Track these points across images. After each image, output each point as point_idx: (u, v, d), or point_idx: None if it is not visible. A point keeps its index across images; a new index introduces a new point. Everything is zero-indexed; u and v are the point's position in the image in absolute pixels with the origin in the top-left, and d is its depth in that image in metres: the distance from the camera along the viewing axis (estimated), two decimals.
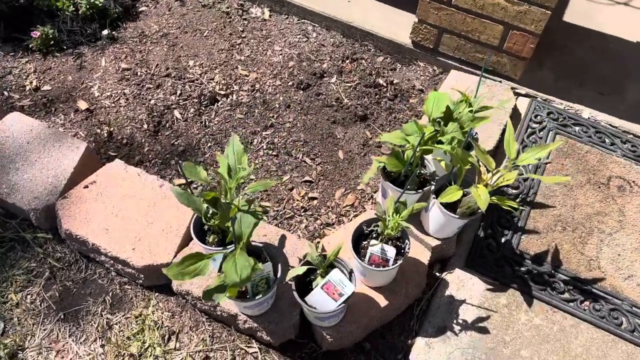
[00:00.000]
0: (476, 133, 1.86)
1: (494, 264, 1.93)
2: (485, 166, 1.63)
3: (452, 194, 1.60)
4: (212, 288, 1.40)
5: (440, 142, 1.66)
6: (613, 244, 1.99)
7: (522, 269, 1.92)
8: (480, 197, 1.54)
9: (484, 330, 1.78)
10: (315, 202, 2.10)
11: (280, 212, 2.05)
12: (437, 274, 1.94)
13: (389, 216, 1.55)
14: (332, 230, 2.01)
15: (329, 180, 2.17)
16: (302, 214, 2.05)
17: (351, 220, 2.03)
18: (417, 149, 1.59)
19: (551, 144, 1.58)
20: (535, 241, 1.99)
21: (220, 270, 1.56)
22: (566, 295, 1.88)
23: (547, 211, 2.07)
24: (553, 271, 1.92)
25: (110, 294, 1.85)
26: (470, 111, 1.72)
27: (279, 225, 2.01)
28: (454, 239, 1.90)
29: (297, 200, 2.09)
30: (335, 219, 2.05)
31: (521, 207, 2.03)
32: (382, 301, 1.71)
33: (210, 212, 1.55)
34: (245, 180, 1.45)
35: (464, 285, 1.88)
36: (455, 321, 1.80)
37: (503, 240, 1.98)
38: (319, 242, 1.92)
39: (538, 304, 1.86)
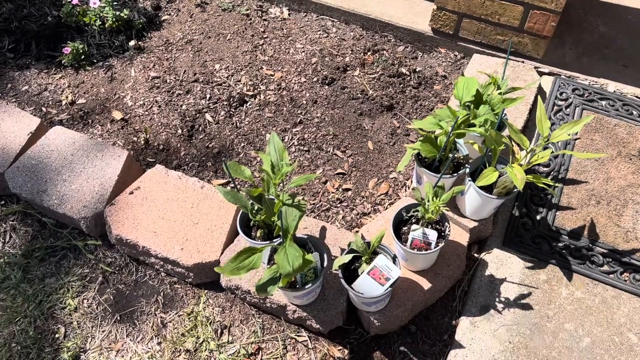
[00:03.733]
0: (505, 114, 1.89)
1: (531, 241, 1.96)
2: (518, 145, 1.66)
3: (489, 176, 1.64)
4: (265, 281, 1.46)
5: (473, 125, 1.70)
6: None
7: (560, 244, 1.95)
8: (517, 176, 1.58)
9: (527, 307, 1.81)
10: (349, 193, 2.15)
11: (317, 205, 2.11)
12: (476, 255, 1.97)
13: (428, 201, 1.60)
14: (369, 219, 2.06)
15: (361, 171, 2.22)
16: (338, 205, 2.11)
17: (387, 208, 2.08)
18: (451, 133, 1.63)
19: (583, 119, 1.61)
20: (571, 217, 2.01)
21: (268, 262, 1.63)
22: (605, 267, 1.90)
23: (580, 186, 2.09)
24: (590, 245, 1.94)
25: (162, 293, 1.93)
26: (500, 93, 1.76)
27: (317, 217, 2.07)
28: (491, 220, 1.93)
29: (332, 192, 2.15)
30: (370, 208, 2.10)
31: (555, 184, 2.06)
32: (425, 284, 1.76)
33: (256, 208, 1.61)
34: (286, 176, 1.50)
35: (503, 264, 1.92)
36: (497, 299, 1.84)
37: (538, 217, 2.01)
38: (358, 231, 1.98)
39: (578, 277, 1.89)
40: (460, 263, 1.84)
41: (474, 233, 1.92)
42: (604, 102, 2.35)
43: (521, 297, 1.84)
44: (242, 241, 1.85)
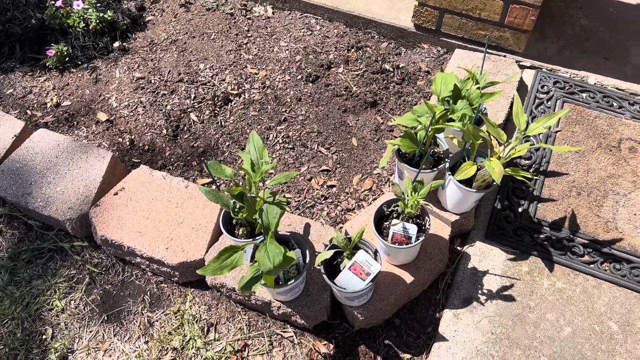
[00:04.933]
0: (485, 108, 1.91)
1: (513, 233, 1.99)
2: (497, 139, 1.68)
3: (467, 169, 1.66)
4: (248, 279, 1.48)
5: (451, 120, 1.72)
6: (629, 204, 2.03)
7: (541, 236, 1.98)
8: (494, 169, 1.60)
9: (509, 298, 1.84)
10: (334, 189, 2.17)
11: (302, 202, 2.12)
12: (459, 248, 2.00)
13: (408, 196, 1.62)
14: (353, 215, 2.08)
15: (346, 167, 2.24)
16: (323, 202, 2.13)
17: (370, 204, 2.10)
18: (430, 129, 1.65)
19: (558, 112, 1.63)
20: (552, 208, 2.04)
21: (252, 260, 1.65)
22: (586, 257, 1.93)
23: (561, 178, 2.11)
24: (571, 236, 1.97)
25: (148, 293, 1.94)
26: (478, 88, 1.78)
27: (302, 214, 2.09)
28: (472, 213, 1.96)
29: (317, 189, 2.16)
30: (355, 204, 2.12)
31: (535, 177, 2.08)
32: (408, 277, 1.79)
33: (238, 206, 1.63)
34: (267, 173, 1.52)
35: (485, 257, 1.95)
36: (480, 291, 1.86)
37: (520, 210, 2.04)
38: (341, 227, 2.00)
39: (559, 268, 1.92)
40: (442, 256, 1.86)
41: (456, 226, 1.94)
42: (584, 95, 2.38)
43: (503, 288, 1.87)
44: (227, 240, 1.86)
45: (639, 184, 2.09)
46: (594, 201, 2.05)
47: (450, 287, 1.91)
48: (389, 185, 2.16)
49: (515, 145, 1.66)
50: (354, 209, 2.10)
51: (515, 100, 1.69)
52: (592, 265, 1.91)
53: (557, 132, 2.24)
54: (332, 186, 2.18)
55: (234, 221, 1.69)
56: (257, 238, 1.63)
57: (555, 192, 2.08)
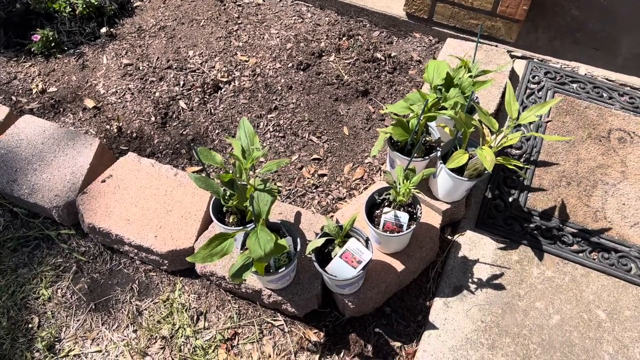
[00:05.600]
0: (477, 97, 1.91)
1: (503, 223, 1.99)
2: (488, 128, 1.68)
3: (459, 158, 1.65)
4: (239, 266, 1.47)
5: (444, 108, 1.71)
6: (617, 194, 2.05)
7: (531, 225, 1.99)
8: (486, 158, 1.59)
9: (499, 287, 1.85)
10: (325, 178, 2.16)
11: (293, 191, 2.11)
12: (449, 237, 2.00)
13: (399, 184, 1.61)
14: (344, 203, 2.07)
15: (337, 156, 2.22)
16: (314, 190, 2.11)
17: (361, 192, 2.09)
18: (422, 117, 1.64)
19: (550, 101, 1.63)
20: (542, 198, 2.05)
21: (242, 248, 1.63)
22: (575, 247, 1.94)
23: (551, 168, 2.12)
24: (561, 225, 1.98)
25: (137, 282, 1.92)
26: (470, 76, 1.77)
27: (293, 203, 2.07)
28: (463, 202, 1.96)
29: (308, 178, 2.15)
30: (346, 192, 2.11)
31: (526, 166, 2.09)
32: (399, 266, 1.78)
33: (228, 193, 1.61)
34: (258, 161, 1.50)
35: (475, 246, 1.95)
36: (470, 280, 1.87)
37: (510, 199, 2.04)
38: (332, 216, 1.99)
39: (549, 257, 1.93)
40: (433, 245, 1.86)
41: (446, 215, 1.94)
42: (575, 85, 2.39)
43: (493, 277, 1.87)
44: (217, 228, 1.84)
45: (628, 174, 2.10)
46: (584, 191, 2.06)
47: (440, 276, 1.91)
48: (380, 174, 2.15)
49: (507, 134, 1.66)
50: (345, 197, 2.09)
51: (507, 88, 1.68)
52: (581, 254, 1.93)
53: (547, 122, 2.25)
54: (323, 175, 2.16)
55: (224, 209, 1.67)
56: (247, 226, 1.62)
57: (546, 182, 2.08)
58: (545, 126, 2.23)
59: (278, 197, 2.08)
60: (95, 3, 2.64)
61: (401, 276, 1.80)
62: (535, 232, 1.97)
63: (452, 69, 1.81)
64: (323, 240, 1.59)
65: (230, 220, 1.64)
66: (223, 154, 2.22)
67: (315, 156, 2.22)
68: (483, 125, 1.72)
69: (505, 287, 1.85)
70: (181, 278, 1.92)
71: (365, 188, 2.11)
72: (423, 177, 1.58)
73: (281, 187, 2.12)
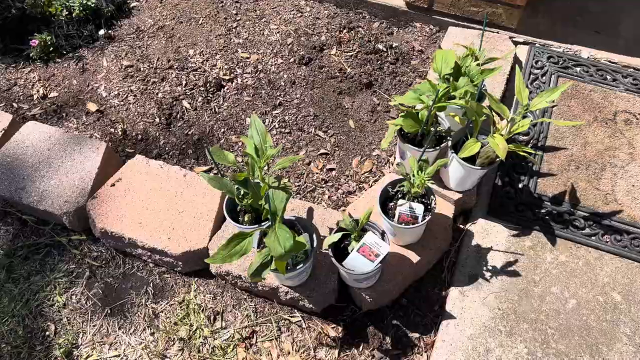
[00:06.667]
0: (484, 85, 1.90)
1: (514, 209, 2.00)
2: (499, 115, 1.67)
3: (471, 147, 1.65)
4: (258, 265, 1.46)
5: (452, 98, 1.71)
6: (627, 176, 2.05)
7: (542, 211, 1.99)
8: (499, 146, 1.59)
9: (514, 273, 1.85)
10: (334, 172, 2.15)
11: (302, 187, 2.10)
12: (462, 226, 2.00)
13: (413, 175, 1.61)
14: (355, 197, 2.07)
15: (344, 150, 2.22)
16: (323, 185, 2.11)
17: (371, 185, 2.09)
18: (433, 107, 1.64)
19: (560, 86, 1.63)
20: (552, 183, 2.05)
21: (259, 247, 1.63)
22: (587, 230, 1.95)
23: (559, 153, 2.12)
24: (572, 209, 1.98)
25: (151, 284, 1.91)
26: (478, 64, 1.76)
27: (303, 199, 2.07)
28: (474, 191, 1.96)
29: (317, 173, 2.14)
30: (355, 186, 2.10)
31: (536, 153, 2.09)
32: (414, 257, 1.78)
33: (242, 192, 1.60)
34: (271, 158, 1.49)
35: (488, 234, 1.95)
36: (485, 268, 1.87)
37: (520, 186, 2.04)
38: (344, 210, 1.98)
39: (561, 242, 1.93)
40: (447, 235, 1.86)
41: (458, 204, 1.94)
42: (578, 69, 2.39)
43: (508, 264, 1.88)
44: (230, 227, 1.84)
45: (636, 155, 2.11)
46: (593, 174, 2.06)
47: (455, 265, 1.92)
48: (389, 167, 2.15)
49: (518, 120, 1.66)
50: (355, 191, 2.09)
51: (517, 75, 1.68)
52: (593, 238, 1.93)
53: (553, 106, 2.25)
54: (332, 169, 2.16)
55: (238, 208, 1.66)
56: (263, 224, 1.61)
57: (554, 167, 2.09)
58: (551, 111, 2.23)
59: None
60: (92, 5, 2.61)
61: (417, 267, 1.80)
62: (547, 217, 1.98)
63: (458, 57, 1.80)
64: (339, 235, 1.58)
65: (246, 219, 1.63)
66: (231, 152, 2.21)
67: (322, 151, 2.21)
68: (493, 113, 1.71)
69: (520, 274, 1.86)
70: (196, 279, 1.92)
71: (375, 181, 2.11)
72: (438, 168, 1.57)
73: (290, 183, 2.12)
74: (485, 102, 1.92)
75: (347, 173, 2.15)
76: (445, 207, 1.89)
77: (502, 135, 1.68)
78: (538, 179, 2.06)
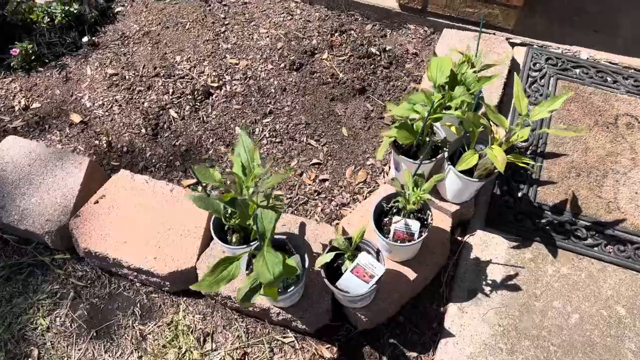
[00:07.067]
0: (481, 92, 1.83)
1: (514, 219, 1.93)
2: (497, 125, 1.60)
3: (469, 159, 1.58)
4: (247, 290, 1.39)
5: (448, 107, 1.63)
6: (629, 183, 1.98)
7: (543, 220, 1.92)
8: (497, 158, 1.52)
9: (514, 287, 1.79)
10: (327, 183, 2.08)
11: (294, 199, 2.03)
12: (459, 237, 1.93)
13: (409, 190, 1.54)
14: (349, 209, 2.00)
15: (337, 159, 2.14)
16: (316, 197, 2.04)
17: (366, 197, 2.01)
18: (428, 118, 1.56)
19: (561, 95, 1.56)
20: (552, 191, 1.98)
21: (247, 268, 1.56)
22: (589, 240, 1.88)
23: (559, 159, 2.05)
24: (574, 219, 1.92)
25: (139, 305, 1.84)
26: (474, 71, 1.69)
27: (295, 212, 2.00)
28: (472, 202, 1.89)
29: (309, 184, 2.07)
30: (349, 198, 2.03)
31: (536, 164, 2.01)
32: (411, 274, 1.72)
33: (229, 211, 1.53)
34: (260, 177, 1.42)
35: (487, 246, 1.88)
36: (484, 282, 1.81)
37: (520, 195, 1.98)
38: (338, 224, 1.91)
39: (563, 253, 1.87)
40: (444, 249, 1.80)
41: (456, 216, 1.87)
42: (577, 70, 2.31)
43: (508, 278, 1.81)
44: (219, 246, 1.77)
45: (638, 160, 2.04)
46: (594, 181, 2.00)
47: (453, 280, 1.85)
48: (384, 177, 2.08)
49: (517, 131, 1.58)
50: (349, 203, 2.02)
51: (515, 83, 1.61)
52: (595, 248, 1.87)
53: (552, 111, 2.17)
54: (325, 180, 2.08)
55: (226, 227, 1.59)
56: (252, 243, 1.54)
57: (555, 174, 2.02)
58: (550, 116, 2.16)
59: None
60: (75, 11, 2.52)
61: (414, 284, 1.73)
62: (548, 227, 1.91)
63: (454, 63, 1.73)
64: (332, 255, 1.51)
65: (234, 239, 1.56)
66: (219, 164, 2.14)
67: (315, 161, 2.13)
68: (491, 122, 1.64)
69: (521, 288, 1.79)
70: (184, 298, 1.85)
71: (370, 191, 2.03)
72: (434, 184, 1.50)
73: (282, 195, 2.04)
74: (483, 109, 1.85)
75: (340, 184, 2.07)
76: (442, 220, 1.82)
77: (500, 145, 1.61)
78: (538, 187, 1.99)
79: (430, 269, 1.76)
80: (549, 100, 1.56)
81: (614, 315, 1.73)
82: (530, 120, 1.56)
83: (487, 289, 1.79)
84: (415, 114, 1.62)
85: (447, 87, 1.67)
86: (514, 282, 1.80)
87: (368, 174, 2.09)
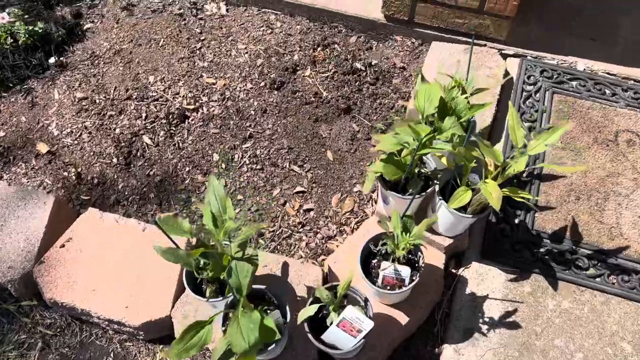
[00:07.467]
0: (474, 121, 1.70)
1: (511, 249, 1.81)
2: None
3: (462, 196, 1.46)
4: (222, 352, 1.26)
5: (438, 138, 1.50)
6: (632, 206, 1.87)
7: (542, 250, 1.81)
8: (492, 195, 1.40)
9: (513, 325, 1.67)
10: (311, 213, 1.95)
11: (277, 232, 1.90)
12: (454, 270, 1.82)
13: (397, 233, 1.41)
14: (335, 242, 1.87)
15: (322, 186, 2.01)
16: (300, 230, 1.91)
17: (353, 229, 1.89)
18: (416, 153, 1.43)
19: (560, 127, 1.43)
20: (551, 217, 1.86)
21: (224, 324, 1.43)
22: (591, 271, 1.77)
23: (557, 182, 1.93)
24: (574, 247, 1.80)
25: (112, 354, 1.71)
26: (466, 97, 1.56)
27: (278, 247, 1.87)
28: (466, 233, 1.76)
29: (292, 215, 1.94)
30: (336, 229, 1.90)
31: (534, 197, 1.88)
32: (403, 318, 1.60)
33: (202, 262, 1.40)
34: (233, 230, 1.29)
35: (483, 280, 1.77)
36: (481, 320, 1.69)
37: (516, 221, 1.86)
38: (323, 261, 1.79)
39: (564, 285, 1.75)
40: (438, 287, 1.68)
41: (449, 250, 1.76)
42: (574, 83, 2.19)
43: (506, 314, 1.70)
44: (191, 298, 1.64)
45: None
46: (595, 205, 1.88)
47: (448, 318, 1.73)
48: (372, 205, 1.95)
49: (512, 164, 1.46)
50: (335, 235, 1.89)
51: (510, 113, 1.48)
52: (598, 279, 1.75)
53: (549, 128, 2.05)
54: (309, 210, 1.96)
55: (198, 280, 1.46)
56: (228, 295, 1.41)
57: (553, 198, 1.90)
58: None
59: (261, 242, 1.88)
60: (40, 31, 2.37)
61: (406, 328, 1.61)
62: (547, 257, 1.80)
63: (444, 87, 1.60)
64: (316, 307, 1.39)
65: (208, 293, 1.43)
66: (197, 195, 2.00)
67: (298, 188, 2.00)
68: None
69: (520, 325, 1.68)
70: (161, 346, 1.72)
71: (358, 222, 1.91)
72: (425, 229, 1.38)
73: (263, 228, 1.91)
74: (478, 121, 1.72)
75: (326, 213, 1.95)
76: (435, 257, 1.70)
77: (495, 178, 1.49)
78: (535, 214, 1.87)
79: (424, 310, 1.65)
80: (547, 132, 1.43)
81: (620, 354, 1.63)
82: (529, 154, 1.43)
83: (484, 328, 1.68)
84: (402, 147, 1.49)
85: (436, 114, 1.54)
86: (513, 318, 1.69)
87: (355, 203, 1.96)
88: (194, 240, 1.42)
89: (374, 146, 2.10)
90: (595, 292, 1.74)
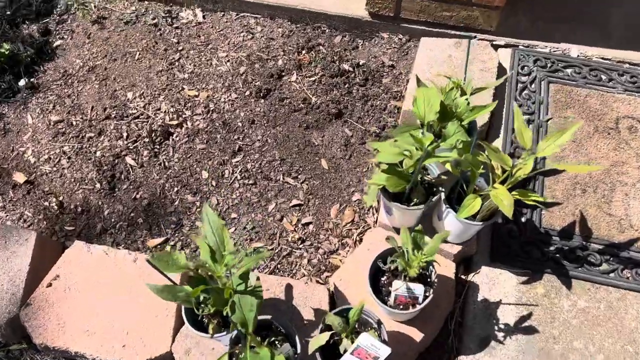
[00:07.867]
0: (476, 122, 1.63)
1: (520, 250, 1.75)
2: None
3: (472, 204, 1.38)
4: None
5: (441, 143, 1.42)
6: (639, 195, 1.82)
7: (552, 248, 1.74)
8: (503, 202, 1.33)
9: (530, 330, 1.61)
10: (310, 227, 1.86)
11: (277, 251, 1.81)
12: (463, 276, 1.75)
13: (407, 249, 1.33)
14: (338, 257, 1.79)
15: (319, 197, 1.93)
16: (300, 246, 1.82)
17: (355, 241, 1.81)
18: (421, 163, 1.35)
19: (569, 127, 1.36)
20: (558, 213, 1.80)
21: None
22: (604, 266, 1.71)
23: (561, 176, 1.87)
24: (585, 243, 1.75)
25: None
26: (466, 99, 1.48)
27: (278, 267, 1.78)
28: (475, 238, 1.69)
29: (291, 230, 1.85)
30: (338, 243, 1.82)
31: (545, 199, 1.80)
32: (416, 334, 1.52)
33: (202, 297, 1.30)
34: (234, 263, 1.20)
35: (495, 284, 1.70)
36: (496, 327, 1.63)
37: (524, 220, 1.79)
38: (328, 278, 1.71)
39: (578, 283, 1.70)
40: (450, 299, 1.61)
41: (458, 257, 1.69)
42: (569, 70, 2.12)
43: (521, 319, 1.63)
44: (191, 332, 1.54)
45: None
46: (602, 197, 1.82)
47: (462, 327, 1.66)
48: (373, 214, 1.87)
49: (522, 168, 1.38)
50: (337, 249, 1.81)
51: (515, 115, 1.40)
52: (612, 275, 1.70)
53: (548, 120, 1.99)
54: (308, 224, 1.87)
55: (199, 317, 1.37)
56: (233, 332, 1.32)
57: (559, 193, 1.84)
58: (547, 126, 1.97)
59: (261, 262, 1.79)
60: (7, 52, 2.23)
61: (420, 345, 1.54)
62: (558, 255, 1.73)
63: (442, 89, 1.52)
64: (327, 335, 1.31)
65: (210, 329, 1.33)
66: (188, 216, 1.90)
67: (295, 202, 1.91)
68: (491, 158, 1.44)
69: (537, 329, 1.62)
70: None
71: (360, 234, 1.83)
72: (438, 244, 1.30)
73: (262, 247, 1.82)
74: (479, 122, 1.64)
75: (326, 226, 1.86)
76: (444, 265, 1.63)
77: (503, 182, 1.41)
78: (542, 210, 1.80)
79: (437, 323, 1.57)
80: (556, 133, 1.36)
81: None
82: (538, 156, 1.36)
83: (500, 335, 1.61)
84: (406, 157, 1.41)
85: (437, 120, 1.46)
86: (529, 323, 1.62)
87: (355, 212, 1.88)
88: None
89: (369, 151, 2.02)
90: (610, 288, 1.69)
